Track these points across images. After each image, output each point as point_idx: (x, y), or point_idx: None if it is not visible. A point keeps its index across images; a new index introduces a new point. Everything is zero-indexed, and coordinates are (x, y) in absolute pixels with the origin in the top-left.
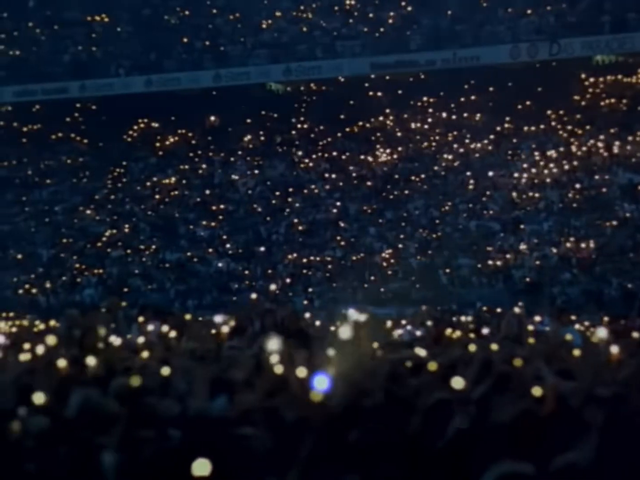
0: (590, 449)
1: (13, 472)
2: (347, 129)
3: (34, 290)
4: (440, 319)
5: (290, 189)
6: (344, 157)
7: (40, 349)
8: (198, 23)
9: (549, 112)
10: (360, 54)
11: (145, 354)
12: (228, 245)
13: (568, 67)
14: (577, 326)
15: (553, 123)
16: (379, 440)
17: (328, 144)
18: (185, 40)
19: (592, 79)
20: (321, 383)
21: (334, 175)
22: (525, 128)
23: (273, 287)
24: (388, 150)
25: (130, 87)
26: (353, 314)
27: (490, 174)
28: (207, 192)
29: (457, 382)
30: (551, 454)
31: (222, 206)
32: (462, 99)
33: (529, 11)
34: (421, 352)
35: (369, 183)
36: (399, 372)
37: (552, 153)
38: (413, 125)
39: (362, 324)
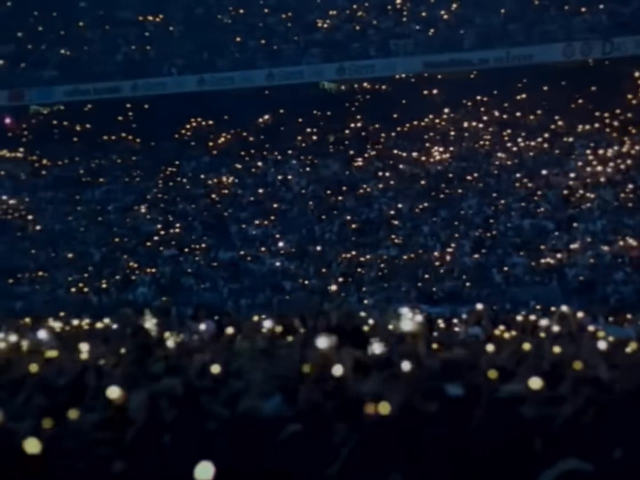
0: None
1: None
2: (400, 128)
3: (85, 289)
4: (495, 318)
5: (344, 188)
6: (397, 156)
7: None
8: (251, 22)
9: (602, 111)
10: (413, 53)
11: (199, 353)
12: (281, 244)
13: (621, 66)
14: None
15: (607, 122)
16: (432, 442)
17: (381, 142)
18: (238, 39)
19: None
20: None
21: (387, 174)
22: (579, 127)
23: (334, 287)
24: (441, 149)
25: (182, 87)
26: (406, 312)
27: (544, 172)
28: (260, 191)
29: (535, 383)
30: (610, 450)
31: (275, 205)
32: (516, 98)
33: (582, 9)
34: (478, 350)
35: (422, 182)
36: (451, 371)
37: (605, 152)
38: (466, 124)
39: (419, 325)
